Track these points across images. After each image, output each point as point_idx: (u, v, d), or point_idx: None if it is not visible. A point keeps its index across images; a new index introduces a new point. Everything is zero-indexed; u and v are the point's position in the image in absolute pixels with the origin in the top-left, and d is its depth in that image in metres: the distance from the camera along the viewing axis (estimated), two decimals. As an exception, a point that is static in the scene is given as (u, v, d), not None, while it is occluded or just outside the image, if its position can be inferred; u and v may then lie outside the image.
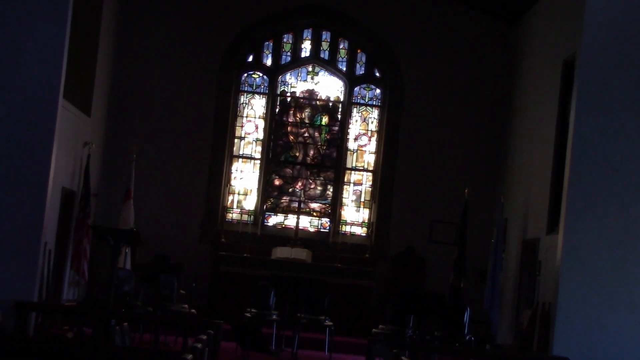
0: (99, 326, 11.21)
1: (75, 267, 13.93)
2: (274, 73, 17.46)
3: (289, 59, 17.53)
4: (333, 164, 17.51)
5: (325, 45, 17.55)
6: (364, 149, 17.54)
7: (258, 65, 17.47)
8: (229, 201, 17.21)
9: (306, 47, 17.54)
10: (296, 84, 17.61)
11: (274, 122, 17.50)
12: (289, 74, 17.61)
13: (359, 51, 17.55)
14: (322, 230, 17.29)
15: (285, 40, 17.50)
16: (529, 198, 14.56)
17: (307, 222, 17.27)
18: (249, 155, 17.41)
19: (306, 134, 17.58)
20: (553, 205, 13.14)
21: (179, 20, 16.96)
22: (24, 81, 10.88)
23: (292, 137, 17.58)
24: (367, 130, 17.53)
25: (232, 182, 17.30)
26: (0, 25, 10.86)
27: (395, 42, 17.18)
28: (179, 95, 16.85)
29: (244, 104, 17.47)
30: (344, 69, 17.54)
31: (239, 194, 17.37)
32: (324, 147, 17.56)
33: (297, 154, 17.55)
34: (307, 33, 17.55)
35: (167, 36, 16.89)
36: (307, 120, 17.57)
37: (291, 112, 17.59)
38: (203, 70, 16.92)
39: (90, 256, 14.13)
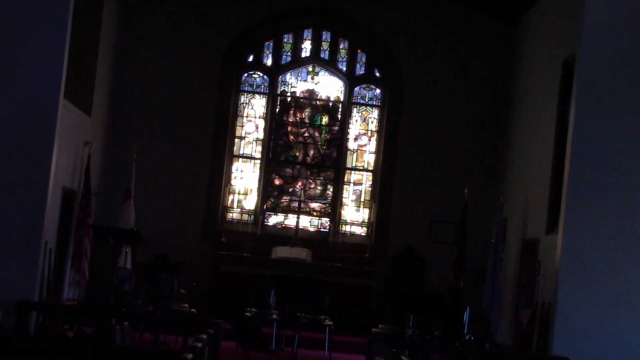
0: (99, 325, 11.22)
1: (76, 266, 13.95)
2: (274, 73, 17.48)
3: (289, 59, 17.55)
4: (333, 163, 17.53)
5: (325, 45, 17.58)
6: (364, 148, 17.56)
7: (258, 65, 17.49)
8: (229, 201, 17.23)
9: (306, 47, 17.56)
10: (296, 84, 17.63)
11: (274, 121, 17.53)
12: (289, 73, 17.63)
13: (359, 51, 17.57)
14: (322, 229, 17.31)
15: (285, 40, 17.52)
16: (529, 198, 14.57)
17: (307, 222, 17.29)
18: (249, 155, 17.43)
19: (306, 134, 17.60)
20: (552, 205, 13.15)
21: (180, 20, 16.98)
22: (25, 81, 10.87)
23: (292, 137, 17.59)
24: (367, 130, 17.55)
25: (233, 182, 17.32)
26: (1, 25, 10.86)
27: (395, 43, 17.19)
28: (179, 95, 16.87)
29: (244, 104, 17.49)
30: (344, 69, 17.56)
31: (239, 193, 17.39)
32: (324, 147, 17.58)
33: (297, 154, 17.57)
34: (308, 33, 17.57)
35: (167, 36, 16.91)
36: (307, 120, 17.59)
37: (291, 112, 17.61)
38: (203, 70, 16.94)
39: (90, 256, 14.14)
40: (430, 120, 17.13)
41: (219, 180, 16.97)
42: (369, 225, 17.23)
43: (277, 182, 17.51)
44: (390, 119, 17.24)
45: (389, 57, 17.27)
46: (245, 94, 17.49)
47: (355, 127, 17.54)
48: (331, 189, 17.49)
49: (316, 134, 17.61)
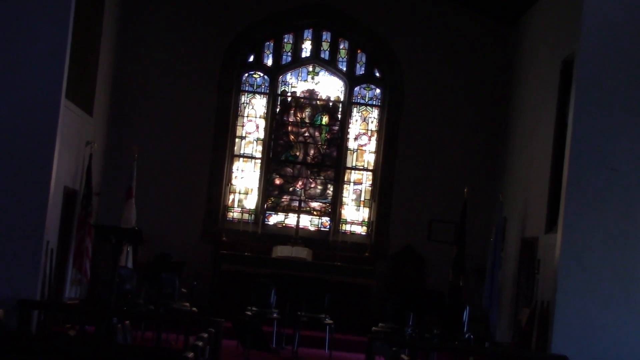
0: (101, 324, 11.26)
1: (78, 265, 13.99)
2: (275, 73, 17.51)
3: (289, 59, 17.58)
4: (333, 163, 17.57)
5: (325, 46, 17.61)
6: (364, 148, 17.60)
7: (259, 65, 17.53)
8: (230, 200, 17.28)
9: (306, 47, 17.60)
10: (296, 84, 17.67)
11: (275, 121, 17.56)
12: (289, 73, 17.67)
13: (359, 51, 17.61)
14: (322, 229, 17.35)
15: (285, 40, 17.56)
16: (528, 197, 14.61)
17: (307, 221, 17.33)
18: (250, 155, 17.47)
19: (306, 134, 17.64)
20: (552, 204, 13.18)
21: (181, 20, 17.02)
22: (26, 81, 10.86)
23: (292, 137, 17.63)
24: (367, 129, 17.59)
25: (233, 181, 17.36)
26: (2, 25, 10.85)
27: (395, 43, 17.23)
28: (180, 95, 16.90)
29: (245, 104, 17.53)
30: (344, 69, 17.60)
31: (239, 193, 17.43)
32: (324, 147, 17.62)
33: (298, 154, 17.61)
34: (308, 33, 17.61)
35: (168, 36, 16.95)
36: (307, 120, 17.63)
37: (292, 111, 17.65)
38: (204, 70, 16.98)
39: (92, 255, 14.18)
40: (430, 120, 17.17)
41: (220, 179, 17.01)
42: (369, 224, 17.27)
43: (277, 181, 17.55)
44: (390, 118, 17.28)
45: (389, 57, 17.31)
46: (246, 94, 17.52)
47: (355, 126, 17.58)
48: (331, 189, 17.53)
49: (316, 133, 17.65)
